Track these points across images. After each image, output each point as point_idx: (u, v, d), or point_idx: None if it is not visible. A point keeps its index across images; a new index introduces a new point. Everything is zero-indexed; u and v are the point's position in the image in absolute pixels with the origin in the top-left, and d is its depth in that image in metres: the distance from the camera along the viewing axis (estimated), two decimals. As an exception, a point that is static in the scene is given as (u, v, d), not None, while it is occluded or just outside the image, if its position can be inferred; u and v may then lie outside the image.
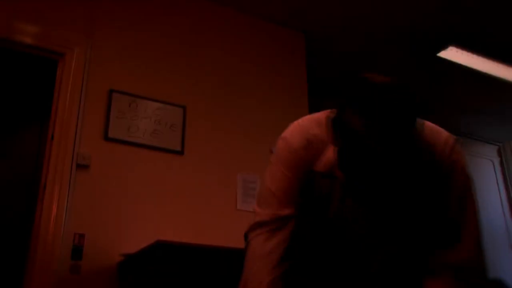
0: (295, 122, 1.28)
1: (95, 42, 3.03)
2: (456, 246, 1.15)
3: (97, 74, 2.97)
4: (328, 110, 1.22)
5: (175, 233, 2.68)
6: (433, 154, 1.16)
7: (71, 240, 2.57)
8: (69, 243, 2.56)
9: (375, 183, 1.07)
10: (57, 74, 2.93)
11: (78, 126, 2.79)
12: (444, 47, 3.98)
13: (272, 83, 3.60)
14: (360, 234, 1.23)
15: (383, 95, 1.01)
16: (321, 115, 1.24)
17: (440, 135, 1.20)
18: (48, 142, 2.81)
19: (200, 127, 3.19)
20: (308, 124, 1.24)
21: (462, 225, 1.15)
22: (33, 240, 2.61)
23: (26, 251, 2.77)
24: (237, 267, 1.30)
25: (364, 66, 4.39)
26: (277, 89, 3.62)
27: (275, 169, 1.25)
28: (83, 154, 2.74)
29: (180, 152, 3.05)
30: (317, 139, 1.20)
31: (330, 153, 1.17)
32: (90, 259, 2.58)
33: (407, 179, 1.08)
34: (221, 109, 3.33)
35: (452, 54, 4.05)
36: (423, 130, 1.17)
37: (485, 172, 5.86)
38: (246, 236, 1.28)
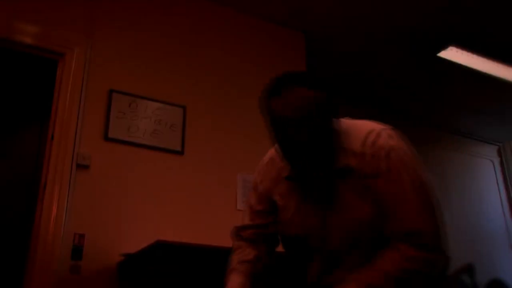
0: None
1: (95, 42, 3.03)
2: (395, 218, 1.20)
3: (97, 74, 2.97)
4: None
5: (175, 233, 2.68)
6: (354, 144, 1.24)
7: (71, 240, 2.57)
8: (69, 243, 2.56)
9: (304, 167, 1.23)
10: (57, 74, 2.93)
11: (78, 126, 2.79)
12: (444, 47, 3.98)
13: (272, 83, 3.59)
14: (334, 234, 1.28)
15: (284, 80, 1.22)
16: None
17: (364, 126, 1.28)
18: (48, 142, 2.81)
19: (200, 127, 3.19)
20: (275, 148, 1.40)
21: (400, 199, 1.20)
22: (33, 240, 2.61)
23: (26, 251, 2.77)
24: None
25: (364, 66, 4.39)
26: (277, 89, 3.61)
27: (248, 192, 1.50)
28: (83, 154, 2.74)
29: (180, 152, 3.05)
30: (279, 157, 1.34)
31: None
32: (90, 259, 2.58)
33: (323, 160, 1.21)
34: (221, 109, 3.33)
35: (452, 54, 4.05)
36: (338, 123, 1.26)
37: (485, 172, 5.86)
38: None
